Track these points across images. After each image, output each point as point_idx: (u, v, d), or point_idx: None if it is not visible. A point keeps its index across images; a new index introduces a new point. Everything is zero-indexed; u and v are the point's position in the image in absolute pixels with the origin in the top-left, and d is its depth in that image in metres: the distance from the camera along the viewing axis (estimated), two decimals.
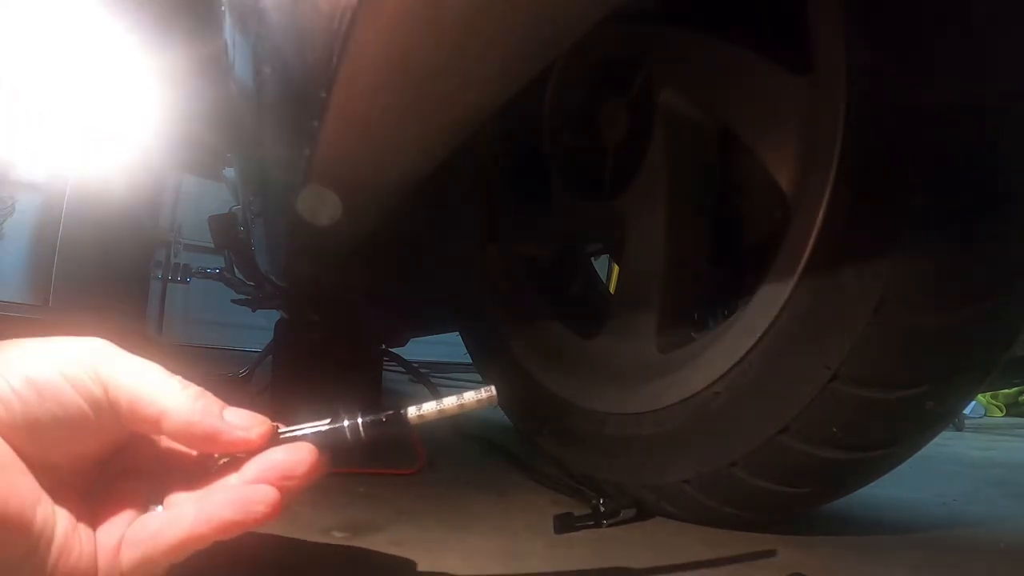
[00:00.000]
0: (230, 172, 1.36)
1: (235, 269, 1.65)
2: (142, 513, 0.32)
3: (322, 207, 0.52)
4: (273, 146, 0.52)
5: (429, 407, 0.35)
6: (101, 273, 2.08)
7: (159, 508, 0.33)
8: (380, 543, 0.48)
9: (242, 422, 0.33)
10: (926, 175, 0.45)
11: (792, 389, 0.51)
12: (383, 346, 1.13)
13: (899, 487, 0.78)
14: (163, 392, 0.31)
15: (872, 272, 0.47)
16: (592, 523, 0.56)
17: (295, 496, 0.33)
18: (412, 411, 0.35)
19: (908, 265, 0.46)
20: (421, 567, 0.45)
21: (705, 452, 0.56)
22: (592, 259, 1.02)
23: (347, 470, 0.66)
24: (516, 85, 0.42)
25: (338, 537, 0.49)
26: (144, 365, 0.32)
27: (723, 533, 0.57)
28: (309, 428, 0.34)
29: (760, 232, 0.68)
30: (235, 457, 0.33)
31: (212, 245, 1.58)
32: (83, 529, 0.31)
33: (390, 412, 0.35)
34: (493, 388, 0.34)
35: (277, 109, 0.45)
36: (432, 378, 1.16)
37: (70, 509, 0.31)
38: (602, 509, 0.57)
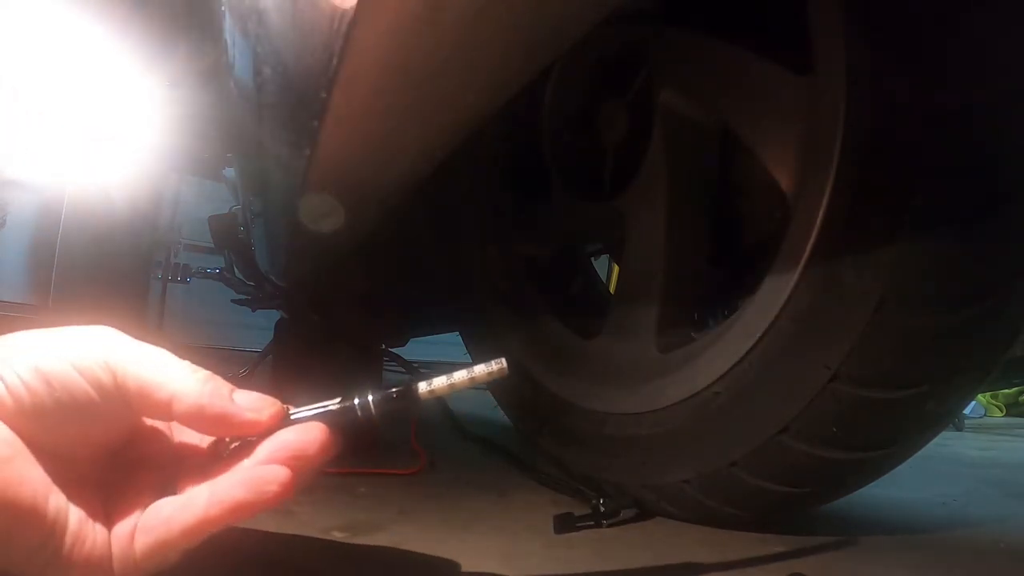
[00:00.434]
0: (230, 172, 1.36)
1: (235, 269, 1.65)
2: (156, 501, 0.32)
3: (323, 213, 0.52)
4: (273, 146, 0.52)
5: (440, 381, 0.34)
6: (101, 273, 2.08)
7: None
8: (381, 543, 0.48)
9: (252, 404, 0.33)
10: (926, 175, 0.45)
11: (792, 389, 0.51)
12: (383, 346, 1.13)
13: (899, 487, 0.78)
14: (172, 376, 0.31)
15: (872, 272, 0.47)
16: (592, 523, 0.56)
17: (308, 476, 0.32)
18: (423, 386, 0.34)
19: (908, 265, 0.46)
20: (421, 567, 0.45)
21: (705, 452, 0.56)
22: (592, 259, 1.02)
23: (347, 470, 0.66)
24: (516, 86, 0.42)
25: (339, 537, 0.49)
26: (152, 351, 0.32)
27: (723, 533, 0.57)
28: (320, 408, 0.34)
29: (760, 232, 0.68)
30: (246, 441, 0.33)
31: (212, 245, 1.57)
32: (97, 518, 0.31)
33: (400, 387, 0.34)
34: (504, 360, 0.34)
35: (277, 109, 0.45)
36: None
37: (84, 498, 0.31)
38: (602, 509, 0.57)
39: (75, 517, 0.30)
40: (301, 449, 0.32)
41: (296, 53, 0.37)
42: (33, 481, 0.29)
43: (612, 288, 0.93)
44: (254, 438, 0.33)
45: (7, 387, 0.29)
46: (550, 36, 0.38)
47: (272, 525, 0.48)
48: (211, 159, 1.47)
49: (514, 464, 0.76)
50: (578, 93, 0.80)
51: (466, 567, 0.45)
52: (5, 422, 0.29)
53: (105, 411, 0.31)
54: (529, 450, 0.78)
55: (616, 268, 0.99)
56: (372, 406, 0.34)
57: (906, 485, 0.82)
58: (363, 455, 0.69)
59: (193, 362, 0.33)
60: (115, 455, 0.34)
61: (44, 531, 0.29)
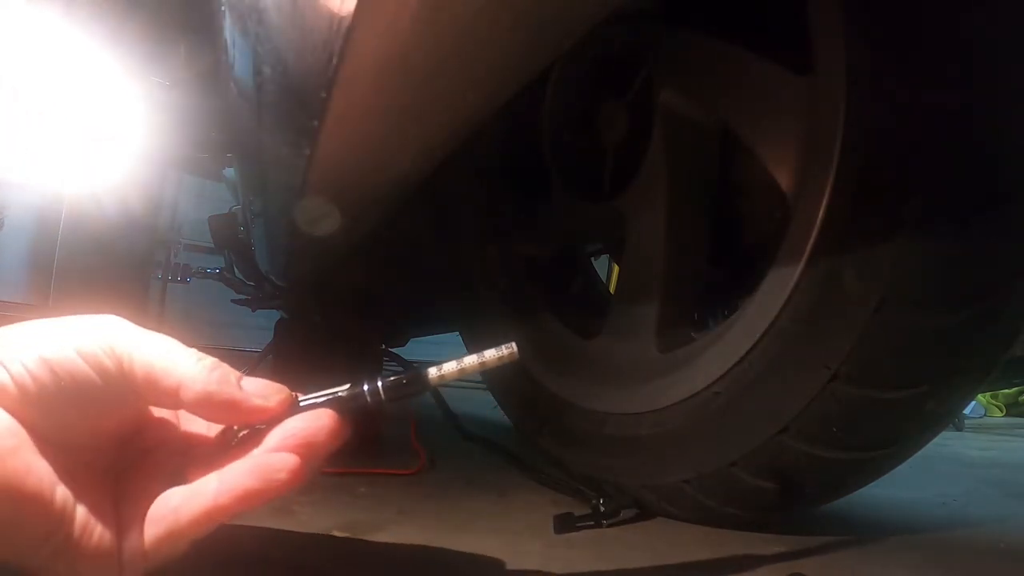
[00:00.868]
0: (230, 172, 1.36)
1: (235, 269, 1.65)
2: (164, 491, 0.32)
3: (323, 213, 0.52)
4: (273, 146, 0.52)
5: (449, 366, 0.34)
6: (101, 273, 2.08)
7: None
8: (380, 543, 0.48)
9: (260, 391, 0.32)
10: (926, 175, 0.45)
11: (792, 389, 0.51)
12: (383, 346, 1.13)
13: (899, 487, 0.78)
14: (179, 364, 0.31)
15: (872, 272, 0.47)
16: (592, 523, 0.56)
17: (317, 464, 0.32)
18: (433, 371, 0.34)
19: (908, 265, 0.46)
20: (421, 567, 0.45)
21: (705, 452, 0.56)
22: (592, 259, 1.02)
23: (348, 470, 0.66)
24: (516, 86, 0.42)
25: (339, 537, 0.49)
26: (159, 339, 0.32)
27: (723, 533, 0.57)
28: (329, 394, 0.34)
29: (760, 232, 0.68)
30: (255, 429, 0.33)
31: (212, 245, 1.57)
32: (105, 508, 0.31)
33: (410, 372, 0.34)
34: (514, 345, 0.33)
35: (277, 109, 0.45)
36: None
37: (91, 489, 0.31)
38: (602, 509, 0.57)
39: (82, 507, 0.30)
40: (310, 436, 0.32)
41: (296, 53, 0.37)
42: (39, 471, 0.29)
43: (612, 288, 0.93)
44: (262, 426, 0.33)
45: (12, 376, 0.29)
46: (550, 36, 0.38)
47: (272, 524, 0.48)
48: (211, 159, 1.47)
49: (514, 464, 0.76)
50: (578, 93, 0.80)
51: (466, 567, 0.45)
52: (10, 412, 0.29)
53: (111, 399, 0.31)
54: (529, 450, 0.78)
55: (616, 268, 0.99)
56: (382, 391, 0.34)
57: (906, 485, 0.82)
58: (363, 455, 0.69)
59: None
60: (123, 445, 0.33)
61: (51, 522, 0.29)
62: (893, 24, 0.46)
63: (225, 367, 0.32)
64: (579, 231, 0.87)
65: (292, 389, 0.34)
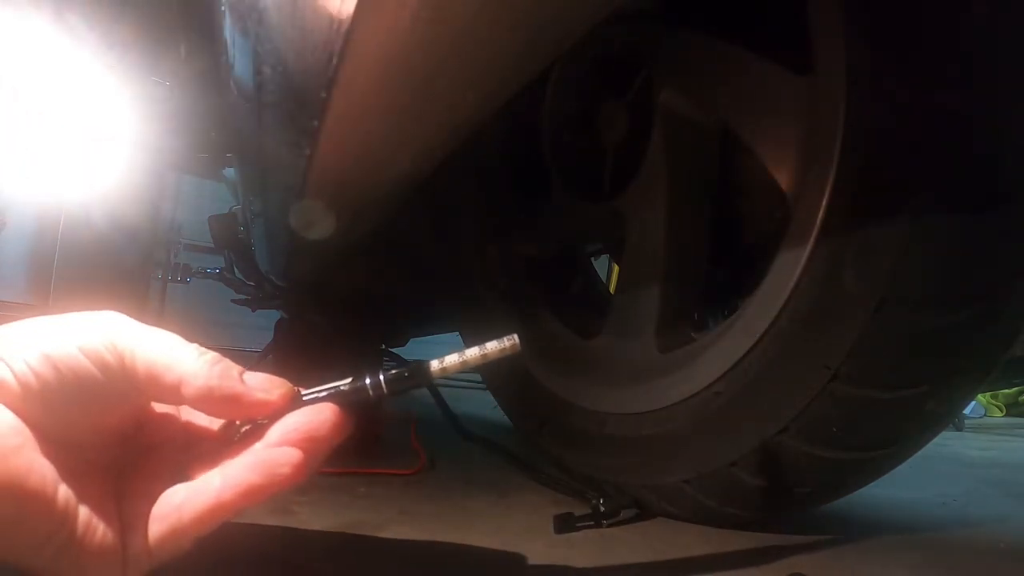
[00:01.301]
0: (230, 172, 1.36)
1: (235, 269, 1.65)
2: (167, 488, 0.32)
3: (323, 213, 0.52)
4: (273, 146, 0.52)
5: (451, 359, 0.34)
6: (101, 273, 2.08)
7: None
8: (380, 543, 0.48)
9: (262, 384, 0.32)
10: (926, 175, 0.45)
11: (792, 389, 0.51)
12: (383, 346, 1.13)
13: (899, 487, 0.78)
14: (181, 359, 0.31)
15: (872, 272, 0.47)
16: (592, 523, 0.56)
17: (320, 458, 0.32)
18: (435, 364, 0.34)
19: (908, 265, 0.46)
20: (421, 567, 0.45)
21: (705, 452, 0.56)
22: (592, 259, 1.02)
23: (347, 470, 0.66)
24: (516, 86, 0.42)
25: (338, 536, 0.49)
26: (160, 334, 0.32)
27: (723, 533, 0.57)
28: (331, 388, 0.34)
29: (760, 232, 0.68)
30: (257, 424, 0.33)
31: (212, 245, 1.57)
32: (108, 506, 0.31)
33: (412, 365, 0.34)
34: (516, 337, 0.33)
35: (277, 109, 0.45)
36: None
37: (94, 487, 0.31)
38: (602, 509, 0.57)
39: (85, 506, 0.30)
40: (313, 430, 0.32)
41: (296, 53, 0.37)
42: (42, 470, 0.29)
43: (612, 288, 0.93)
44: (265, 420, 0.33)
45: (14, 373, 0.28)
46: (550, 36, 0.38)
47: (272, 524, 0.48)
48: (211, 159, 1.47)
49: (514, 464, 0.76)
50: (578, 93, 0.80)
51: (466, 567, 0.45)
52: (13, 409, 0.29)
53: (114, 395, 0.31)
54: (529, 450, 0.78)
55: (616, 268, 0.99)
56: (384, 384, 0.33)
57: (906, 485, 0.82)
58: (363, 455, 0.69)
59: None
60: (125, 442, 0.33)
61: (53, 521, 0.29)
62: (893, 24, 0.46)
63: (227, 362, 0.32)
64: (579, 231, 0.87)
65: (293, 384, 0.34)
